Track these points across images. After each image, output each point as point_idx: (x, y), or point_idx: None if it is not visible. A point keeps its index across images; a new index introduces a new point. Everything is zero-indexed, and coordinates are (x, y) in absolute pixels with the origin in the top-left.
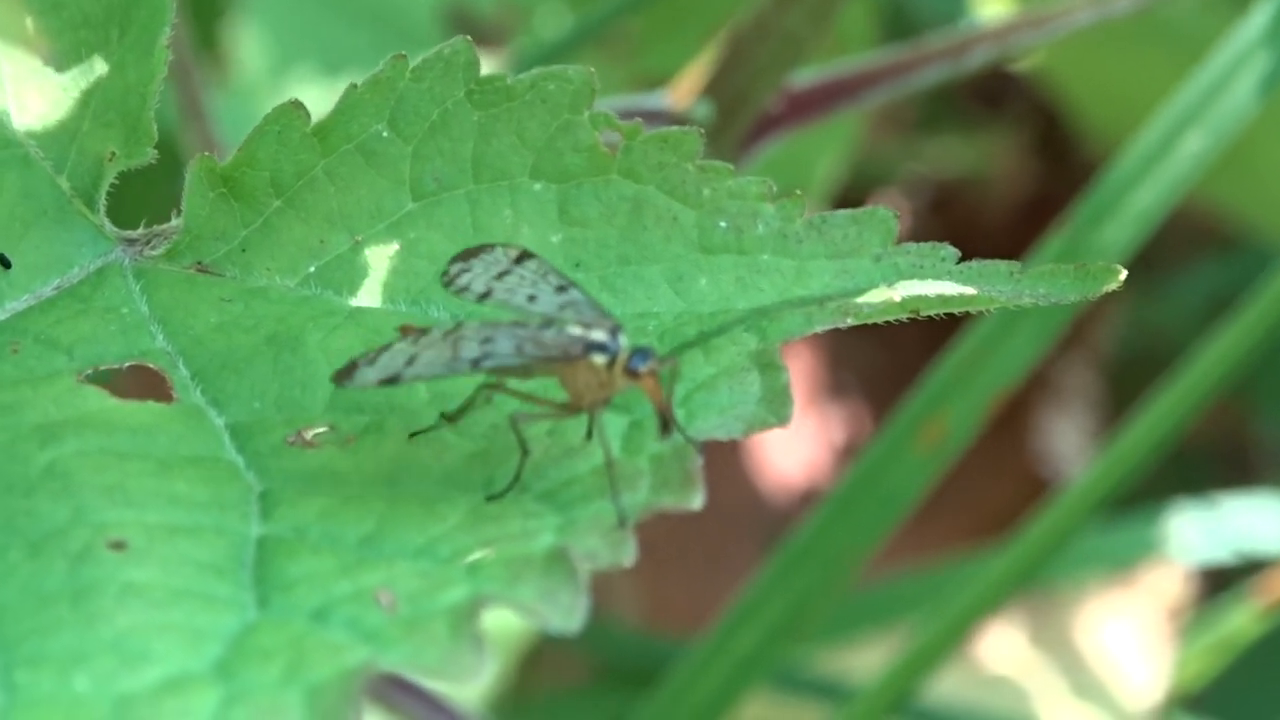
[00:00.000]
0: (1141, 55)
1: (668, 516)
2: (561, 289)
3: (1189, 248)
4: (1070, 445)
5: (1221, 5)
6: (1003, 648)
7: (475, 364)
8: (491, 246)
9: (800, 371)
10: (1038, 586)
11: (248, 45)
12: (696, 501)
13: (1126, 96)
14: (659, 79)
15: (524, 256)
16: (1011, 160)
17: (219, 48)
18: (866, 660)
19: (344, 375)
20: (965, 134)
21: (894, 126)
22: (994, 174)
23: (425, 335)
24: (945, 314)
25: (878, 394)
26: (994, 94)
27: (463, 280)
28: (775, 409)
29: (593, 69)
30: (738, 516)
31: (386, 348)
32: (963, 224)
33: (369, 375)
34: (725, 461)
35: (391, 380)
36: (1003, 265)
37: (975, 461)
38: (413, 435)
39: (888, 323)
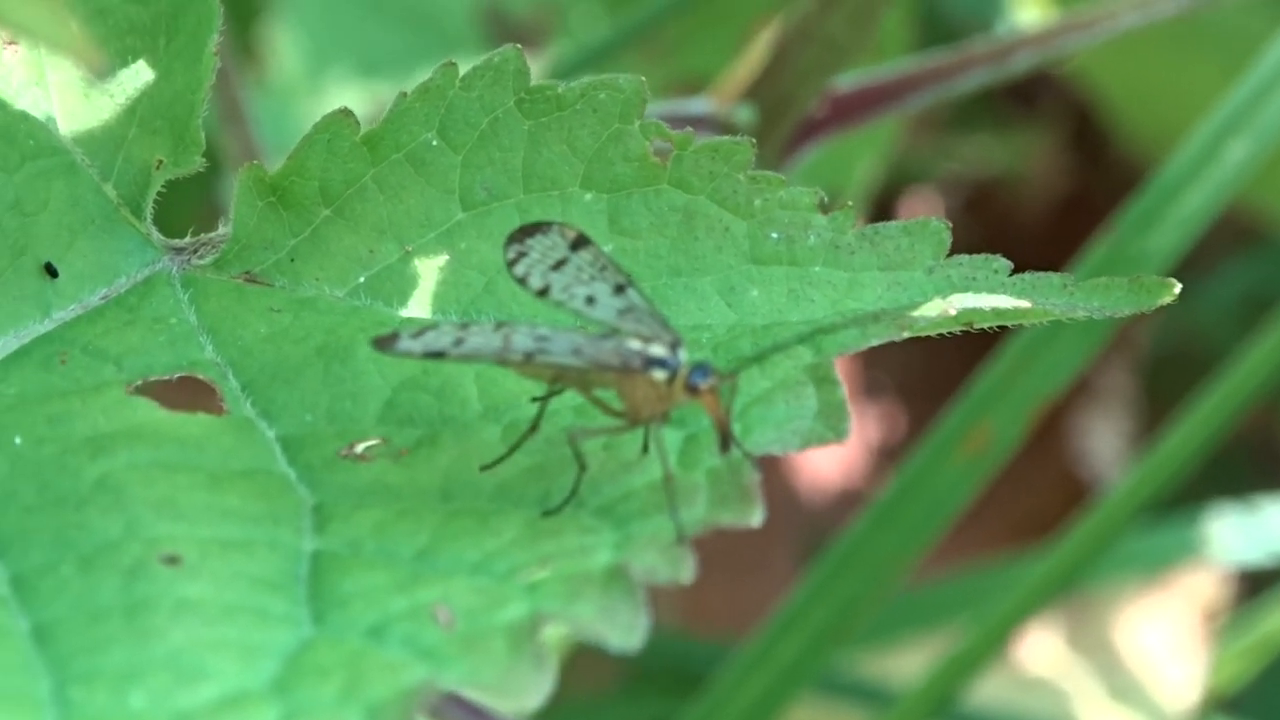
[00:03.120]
0: (1180, 56)
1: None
2: (620, 289)
3: (1221, 246)
4: (1109, 447)
5: (1262, 7)
6: (1042, 650)
7: (528, 356)
8: (548, 226)
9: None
10: (1077, 589)
11: (283, 46)
12: (755, 518)
13: (1165, 96)
14: (693, 79)
15: (580, 242)
16: (1046, 158)
17: (255, 49)
18: (909, 664)
19: (385, 342)
20: (1000, 133)
21: (929, 126)
22: (1029, 172)
23: (475, 323)
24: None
25: (912, 393)
26: (1029, 93)
27: (520, 268)
28: (832, 424)
29: (644, 78)
30: (772, 518)
31: (433, 325)
32: (998, 222)
33: (412, 346)
34: (761, 463)
35: (436, 355)
36: (1056, 278)
37: (1015, 465)
38: (483, 469)
39: (930, 342)
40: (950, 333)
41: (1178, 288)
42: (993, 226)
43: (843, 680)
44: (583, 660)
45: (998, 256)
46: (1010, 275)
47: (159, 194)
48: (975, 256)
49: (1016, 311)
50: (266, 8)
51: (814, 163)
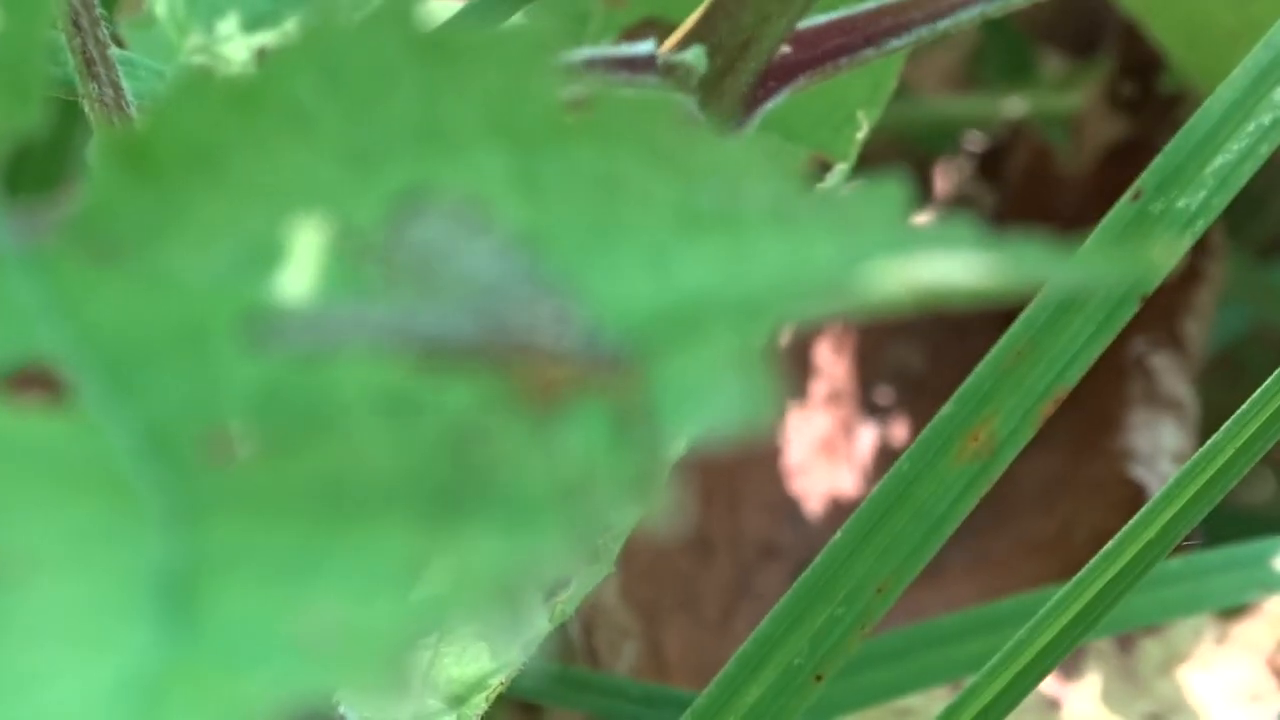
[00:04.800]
0: None
1: (678, 560)
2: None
3: None
4: (1165, 461)
5: None
6: (1082, 698)
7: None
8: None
9: (840, 383)
10: (1124, 628)
11: None
12: (671, 508)
13: (1222, 33)
14: (658, 29)
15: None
16: (1097, 103)
17: None
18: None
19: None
20: (1054, 88)
21: (965, 83)
22: (1078, 119)
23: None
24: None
25: (922, 398)
26: (1085, 40)
27: None
28: (762, 408)
29: (559, 16)
30: (768, 551)
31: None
32: (1039, 174)
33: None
34: (753, 488)
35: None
36: (1036, 243)
37: (1065, 490)
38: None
39: (934, 335)
40: (962, 330)
41: (1182, 248)
42: (1032, 179)
43: None
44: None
45: (965, 219)
46: (990, 238)
47: (13, 157)
48: (941, 220)
49: (984, 284)
50: None
51: (791, 114)
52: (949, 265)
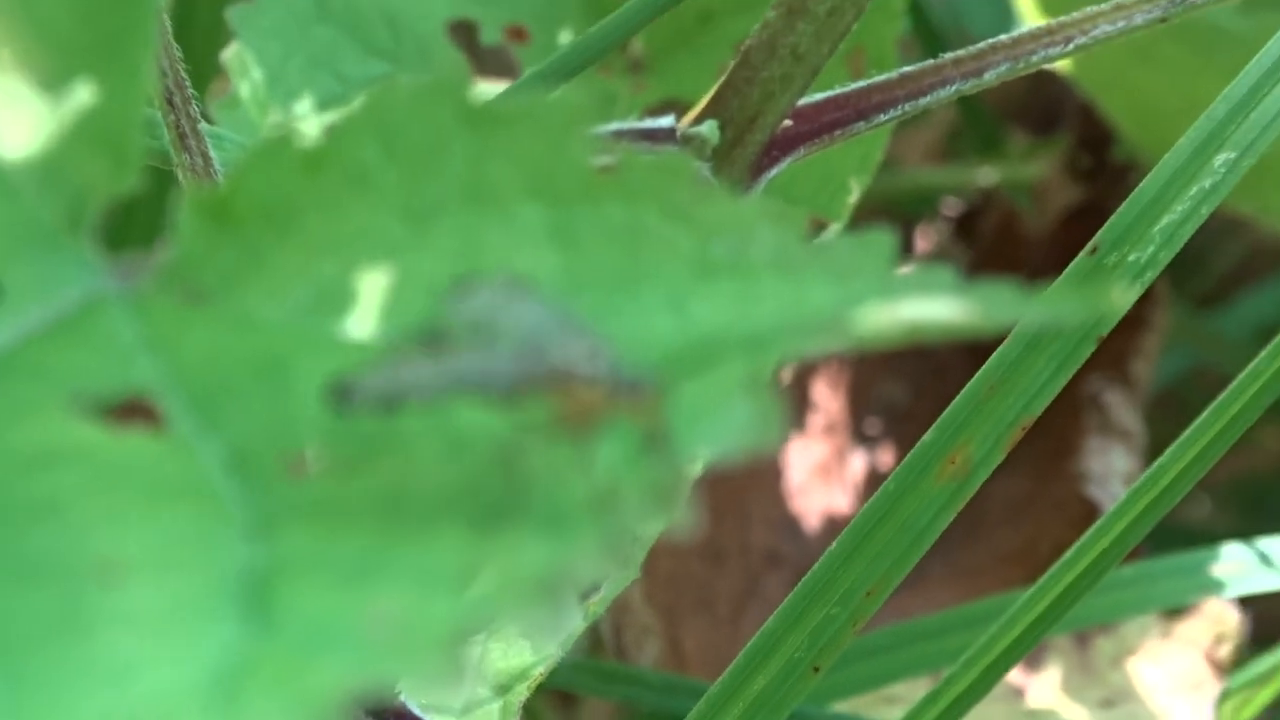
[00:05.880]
0: (1186, 68)
1: (695, 567)
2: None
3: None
4: (1117, 482)
5: (1255, 8)
6: (1048, 683)
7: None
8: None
9: (834, 416)
10: (1081, 626)
11: (246, 73)
12: (688, 519)
13: (1169, 109)
14: (675, 106)
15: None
16: (1058, 171)
17: (222, 78)
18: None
19: (338, 394)
20: (1020, 160)
21: (943, 156)
22: (1042, 185)
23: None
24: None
25: (913, 425)
26: (1048, 119)
27: None
28: (767, 430)
29: (591, 93)
30: (773, 560)
31: (386, 366)
32: (1006, 234)
33: (366, 392)
34: (759, 506)
35: (389, 400)
36: (1005, 288)
37: (1029, 509)
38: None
39: (916, 375)
40: (941, 370)
41: (1132, 296)
42: (1002, 238)
43: (821, 719)
44: (590, 706)
45: (945, 265)
46: (965, 284)
47: (113, 219)
48: (923, 266)
49: (963, 321)
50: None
51: (793, 180)
52: (931, 306)
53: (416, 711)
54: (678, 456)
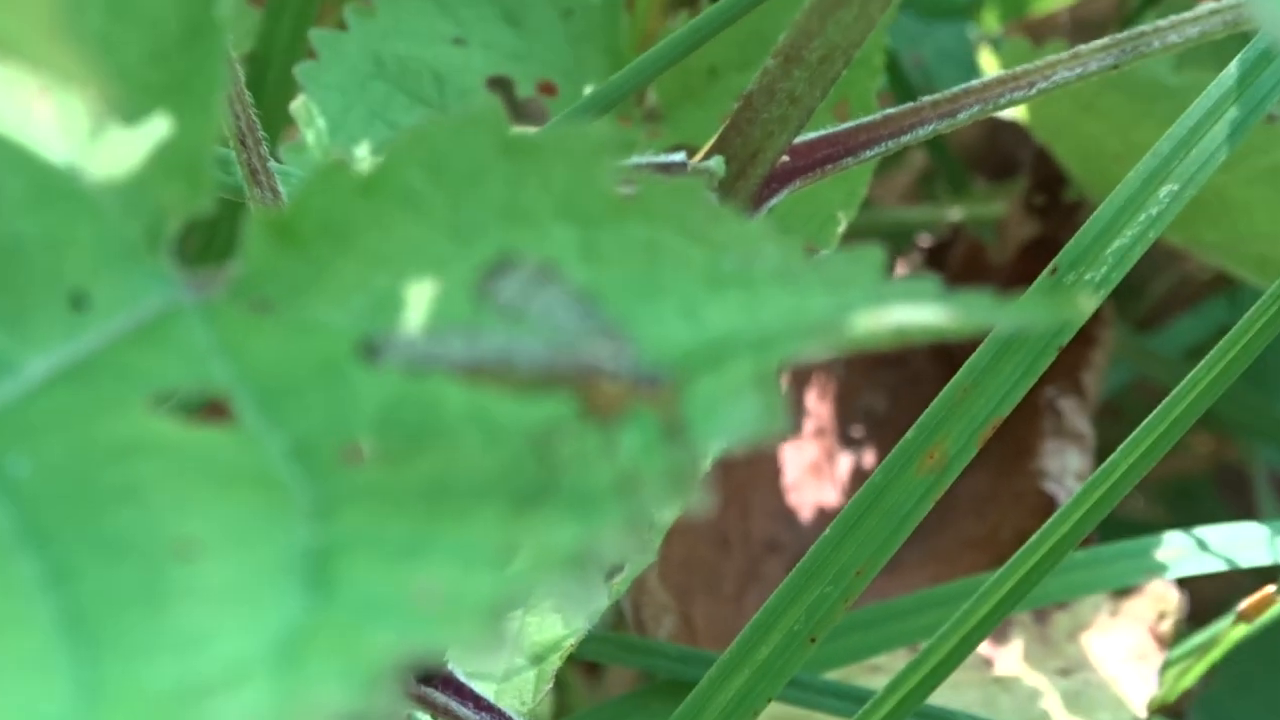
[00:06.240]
0: (1112, 110)
1: (704, 553)
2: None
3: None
4: (1071, 480)
5: (1199, 58)
6: (1009, 658)
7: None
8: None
9: (824, 422)
10: (1040, 604)
11: (314, 123)
12: (702, 502)
13: (1101, 148)
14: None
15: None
16: (1018, 207)
17: (291, 126)
18: (882, 679)
19: (368, 351)
20: (984, 199)
21: (917, 197)
22: (1004, 219)
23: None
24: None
25: (887, 445)
26: (1007, 164)
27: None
28: (772, 421)
29: (614, 128)
30: (772, 547)
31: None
32: (973, 262)
33: (395, 351)
34: (759, 500)
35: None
36: (982, 296)
37: (994, 501)
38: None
39: (895, 386)
40: (916, 381)
41: (1093, 304)
42: (969, 267)
43: (815, 685)
44: (614, 674)
45: (929, 276)
46: (947, 292)
47: (194, 234)
48: (909, 277)
49: (946, 324)
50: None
51: (788, 212)
52: (917, 311)
53: (462, 678)
54: (693, 444)
